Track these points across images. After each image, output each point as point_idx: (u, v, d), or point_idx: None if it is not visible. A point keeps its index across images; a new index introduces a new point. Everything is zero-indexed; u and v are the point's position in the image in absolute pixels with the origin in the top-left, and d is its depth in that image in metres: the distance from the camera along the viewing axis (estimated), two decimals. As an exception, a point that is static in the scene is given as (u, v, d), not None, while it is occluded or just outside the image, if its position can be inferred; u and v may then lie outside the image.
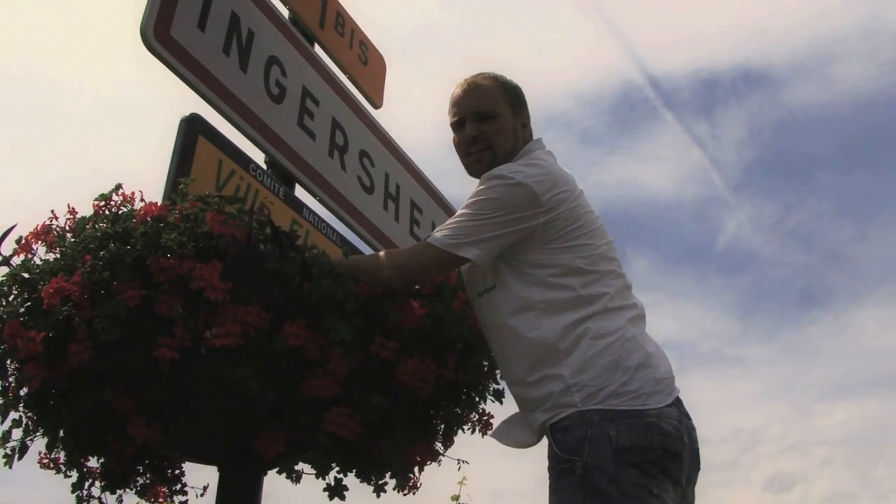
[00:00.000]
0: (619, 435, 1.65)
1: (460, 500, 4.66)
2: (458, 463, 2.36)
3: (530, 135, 2.14)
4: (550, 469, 1.73)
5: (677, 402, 1.78)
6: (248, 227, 1.84)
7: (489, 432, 2.11)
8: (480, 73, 2.14)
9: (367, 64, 3.70)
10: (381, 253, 1.99)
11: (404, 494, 2.17)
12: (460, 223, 1.87)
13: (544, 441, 1.82)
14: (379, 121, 3.64)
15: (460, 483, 5.21)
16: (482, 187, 1.90)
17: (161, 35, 2.25)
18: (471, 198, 1.92)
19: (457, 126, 2.10)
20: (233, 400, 1.79)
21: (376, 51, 3.84)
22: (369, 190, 3.38)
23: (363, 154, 3.40)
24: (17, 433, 1.96)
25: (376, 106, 3.72)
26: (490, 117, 2.05)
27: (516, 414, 1.96)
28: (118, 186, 1.92)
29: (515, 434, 1.92)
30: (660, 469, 1.66)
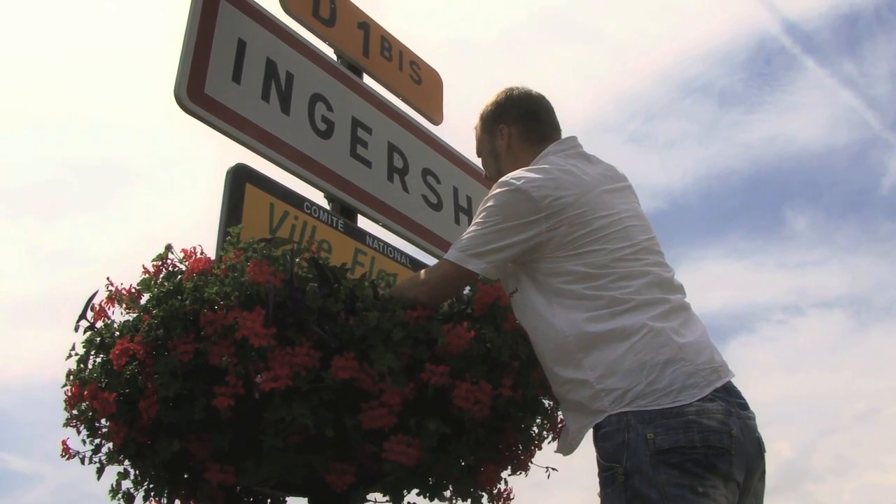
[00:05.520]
0: (656, 437, 1.60)
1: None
2: (547, 471, 2.34)
3: (523, 135, 2.15)
4: (598, 477, 1.70)
5: (726, 393, 1.69)
6: (288, 269, 1.89)
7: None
8: None
9: (420, 83, 3.71)
10: (417, 273, 2.04)
11: None
12: (470, 234, 1.92)
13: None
14: (442, 137, 3.65)
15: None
16: (487, 196, 1.95)
17: (195, 94, 2.35)
18: (480, 205, 1.97)
19: None
20: (294, 439, 1.83)
21: (430, 68, 3.84)
22: (437, 207, 3.40)
23: (426, 172, 3.42)
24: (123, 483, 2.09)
25: (436, 122, 3.72)
26: (479, 156, 2.30)
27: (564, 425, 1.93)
28: (168, 247, 2.02)
29: (565, 442, 1.89)
30: (704, 466, 1.59)
